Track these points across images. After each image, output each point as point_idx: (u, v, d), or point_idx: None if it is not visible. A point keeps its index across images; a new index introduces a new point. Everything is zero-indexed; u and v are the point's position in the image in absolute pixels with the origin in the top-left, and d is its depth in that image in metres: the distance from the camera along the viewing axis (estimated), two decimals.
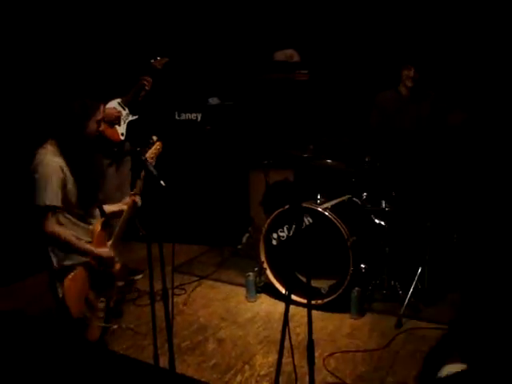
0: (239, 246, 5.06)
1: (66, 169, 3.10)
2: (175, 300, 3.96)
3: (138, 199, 3.24)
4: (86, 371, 2.91)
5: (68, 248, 3.07)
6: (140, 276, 4.44)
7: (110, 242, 3.24)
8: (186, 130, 5.18)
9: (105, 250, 3.18)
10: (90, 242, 3.15)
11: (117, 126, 4.25)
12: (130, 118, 4.34)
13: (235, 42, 5.20)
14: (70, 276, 2.99)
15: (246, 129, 5.01)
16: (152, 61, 4.33)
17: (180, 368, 3.02)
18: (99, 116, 3.20)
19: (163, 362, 2.75)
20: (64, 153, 3.12)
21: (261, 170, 4.65)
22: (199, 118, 5.18)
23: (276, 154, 4.46)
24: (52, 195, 3.00)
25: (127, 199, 3.34)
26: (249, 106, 5.02)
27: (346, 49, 4.87)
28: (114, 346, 3.40)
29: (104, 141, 4.15)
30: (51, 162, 3.05)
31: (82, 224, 3.23)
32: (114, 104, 4.27)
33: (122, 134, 4.27)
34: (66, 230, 3.09)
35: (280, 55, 4.94)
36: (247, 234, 5.08)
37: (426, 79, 4.14)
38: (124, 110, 4.29)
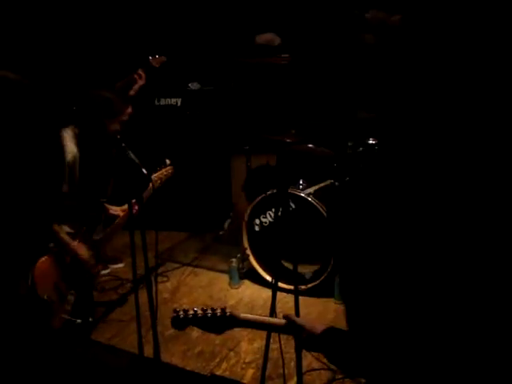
0: (221, 232, 5.03)
1: (77, 159, 3.15)
2: (158, 288, 3.94)
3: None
4: (68, 363, 2.88)
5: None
6: (121, 265, 4.39)
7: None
8: (165, 116, 5.11)
9: (83, 250, 3.20)
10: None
11: None
12: None
13: (215, 25, 5.12)
14: (43, 258, 3.03)
15: (227, 113, 4.96)
16: (150, 58, 4.25)
17: (164, 357, 3.00)
18: (125, 117, 3.26)
19: (147, 350, 2.73)
20: (81, 143, 3.17)
21: (242, 154, 4.62)
22: (179, 103, 5.11)
23: (257, 139, 4.42)
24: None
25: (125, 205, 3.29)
26: (230, 90, 4.96)
27: (327, 32, 4.82)
28: (97, 335, 3.37)
29: None
30: (71, 149, 3.12)
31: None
32: None
33: None
34: None
35: (261, 39, 4.88)
36: (229, 220, 5.05)
37: None
38: None
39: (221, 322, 1.56)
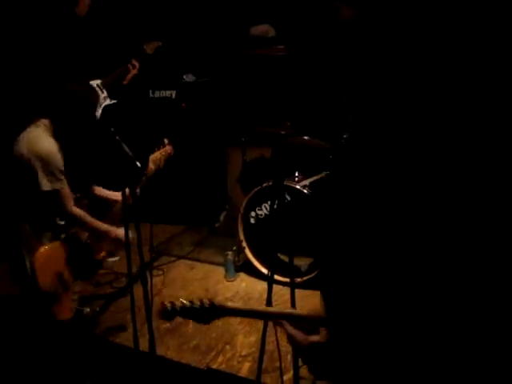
0: (216, 225, 5.01)
1: (57, 151, 3.06)
2: (153, 281, 3.92)
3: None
4: (64, 353, 2.87)
5: (86, 229, 3.13)
6: (116, 258, 4.36)
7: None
8: (160, 108, 5.07)
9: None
10: None
11: None
12: (107, 101, 4.18)
13: (210, 17, 5.08)
14: (42, 249, 2.97)
15: (222, 105, 4.92)
16: (144, 44, 4.22)
17: (160, 350, 2.97)
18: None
19: (142, 344, 2.71)
20: (57, 134, 3.07)
21: (238, 147, 4.59)
22: (174, 95, 5.07)
23: (253, 131, 4.39)
24: (59, 178, 3.00)
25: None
26: (225, 82, 4.93)
27: (322, 23, 4.79)
28: (92, 328, 3.36)
29: None
30: (49, 142, 3.02)
31: None
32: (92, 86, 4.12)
33: None
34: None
35: (255, 30, 4.85)
36: (224, 212, 5.03)
37: None
38: (102, 92, 4.14)
39: (209, 312, 1.59)
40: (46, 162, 2.96)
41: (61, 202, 3.02)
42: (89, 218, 3.11)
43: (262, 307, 1.68)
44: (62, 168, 3.02)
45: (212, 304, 1.60)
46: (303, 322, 1.54)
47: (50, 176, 2.97)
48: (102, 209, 3.36)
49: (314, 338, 1.45)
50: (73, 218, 3.07)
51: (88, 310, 3.15)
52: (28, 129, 3.09)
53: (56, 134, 3.07)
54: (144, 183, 3.26)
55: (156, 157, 3.33)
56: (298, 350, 1.50)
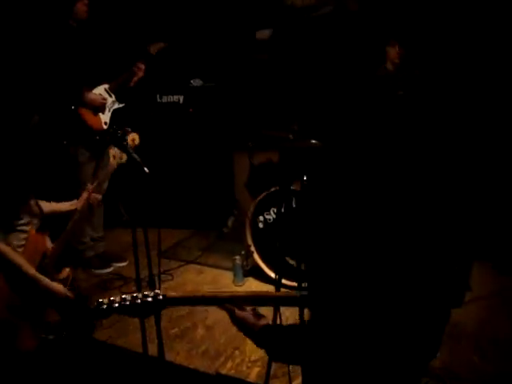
0: (224, 229, 5.01)
1: None
2: (162, 286, 3.92)
3: (94, 198, 2.96)
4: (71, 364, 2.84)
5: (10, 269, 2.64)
6: (124, 263, 4.37)
7: (52, 245, 2.88)
8: (168, 113, 5.08)
9: (58, 286, 2.75)
10: (22, 246, 2.78)
11: (100, 114, 4.11)
12: (116, 105, 4.19)
13: (217, 21, 5.09)
14: None
15: (229, 110, 4.93)
16: (148, 45, 4.23)
17: (169, 356, 2.98)
18: None
19: (151, 349, 2.71)
20: None
21: (245, 151, 4.59)
22: (181, 100, 5.08)
23: (260, 135, 4.39)
24: None
25: (83, 195, 2.97)
26: (232, 86, 4.93)
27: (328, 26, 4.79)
28: (99, 335, 3.35)
29: (85, 129, 4.02)
30: None
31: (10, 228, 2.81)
32: (100, 90, 4.12)
33: (106, 123, 4.13)
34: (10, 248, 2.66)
35: (261, 35, 4.85)
36: (232, 217, 5.03)
37: (410, 56, 4.16)
38: (110, 96, 4.15)
39: (152, 305, 1.52)
40: None
41: None
42: (17, 258, 2.65)
43: (212, 291, 1.61)
44: None
45: (155, 297, 1.52)
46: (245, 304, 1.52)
47: None
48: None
49: (263, 321, 1.45)
50: None
51: (51, 337, 2.82)
52: None
53: None
54: (105, 178, 3.07)
55: (117, 152, 2.96)
56: (250, 332, 1.47)
